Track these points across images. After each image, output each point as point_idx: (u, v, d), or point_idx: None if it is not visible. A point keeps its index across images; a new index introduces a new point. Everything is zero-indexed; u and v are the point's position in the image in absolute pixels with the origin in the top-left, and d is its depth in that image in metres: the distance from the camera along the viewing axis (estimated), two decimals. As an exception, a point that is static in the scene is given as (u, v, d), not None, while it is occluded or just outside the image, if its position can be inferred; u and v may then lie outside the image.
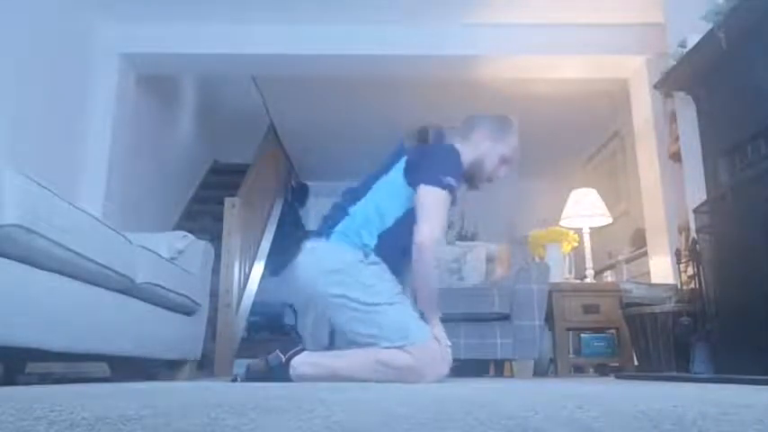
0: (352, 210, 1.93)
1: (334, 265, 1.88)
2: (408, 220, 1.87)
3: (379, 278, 1.87)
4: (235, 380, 1.86)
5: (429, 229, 1.82)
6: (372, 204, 1.93)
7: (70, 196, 1.79)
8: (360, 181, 2.03)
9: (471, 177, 2.07)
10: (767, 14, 2.10)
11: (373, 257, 1.89)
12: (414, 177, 1.89)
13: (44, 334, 1.64)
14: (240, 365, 4.24)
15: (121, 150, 4.06)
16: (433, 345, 1.79)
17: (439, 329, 1.86)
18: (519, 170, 6.73)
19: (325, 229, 1.95)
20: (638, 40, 3.89)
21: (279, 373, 1.78)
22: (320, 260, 1.92)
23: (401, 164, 1.94)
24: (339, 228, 1.92)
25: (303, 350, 1.85)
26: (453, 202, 1.92)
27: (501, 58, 4.20)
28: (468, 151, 2.02)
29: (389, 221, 1.91)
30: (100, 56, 3.97)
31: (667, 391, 1.34)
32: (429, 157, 1.92)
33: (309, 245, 1.97)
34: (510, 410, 0.71)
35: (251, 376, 1.82)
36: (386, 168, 1.98)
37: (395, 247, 1.89)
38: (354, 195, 1.98)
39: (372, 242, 1.90)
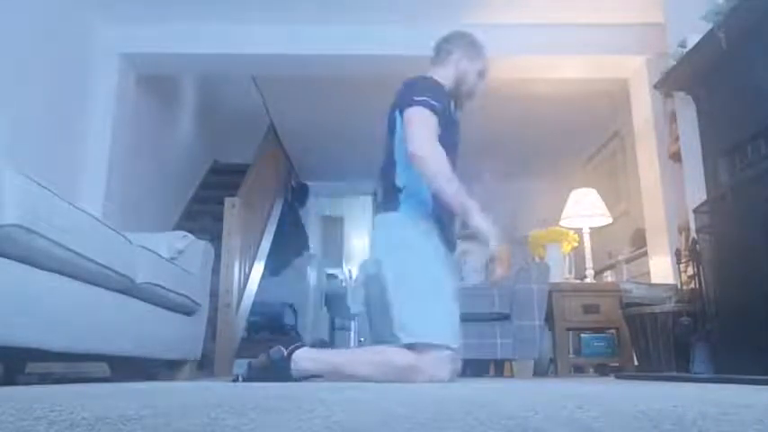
0: (397, 181, 1.96)
1: (395, 240, 1.92)
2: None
3: (432, 259, 1.90)
4: (236, 380, 1.85)
5: (415, 145, 1.85)
6: (404, 160, 1.93)
7: (70, 196, 1.79)
8: (382, 157, 2.07)
9: (457, 96, 2.12)
10: (767, 14, 2.10)
11: (431, 223, 1.92)
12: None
13: (44, 334, 1.64)
14: (240, 365, 4.24)
15: (121, 150, 4.06)
16: (443, 349, 1.78)
17: (479, 220, 1.84)
18: (519, 170, 6.75)
19: (389, 205, 1.97)
20: (638, 40, 3.89)
21: (280, 367, 1.78)
22: (385, 232, 1.97)
23: (397, 116, 1.97)
24: (401, 197, 1.94)
25: (303, 345, 1.86)
26: (443, 123, 1.93)
27: (501, 58, 4.19)
28: (450, 73, 2.10)
29: None
30: (100, 56, 3.97)
31: (667, 391, 1.34)
32: (405, 91, 1.98)
33: (380, 218, 2.01)
34: (510, 410, 0.71)
35: (252, 373, 1.82)
36: (391, 130, 2.01)
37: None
38: (389, 168, 2.00)
39: (426, 190, 1.92)
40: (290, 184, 6.85)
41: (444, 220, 1.99)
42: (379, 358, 1.79)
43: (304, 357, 1.81)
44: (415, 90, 1.95)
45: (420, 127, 1.88)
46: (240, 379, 1.83)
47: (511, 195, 6.75)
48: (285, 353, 1.81)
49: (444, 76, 2.08)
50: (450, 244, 2.03)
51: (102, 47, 3.98)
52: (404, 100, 1.94)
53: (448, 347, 1.78)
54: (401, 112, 1.94)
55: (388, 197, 1.99)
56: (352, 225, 8.30)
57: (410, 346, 1.76)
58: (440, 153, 1.85)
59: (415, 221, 1.93)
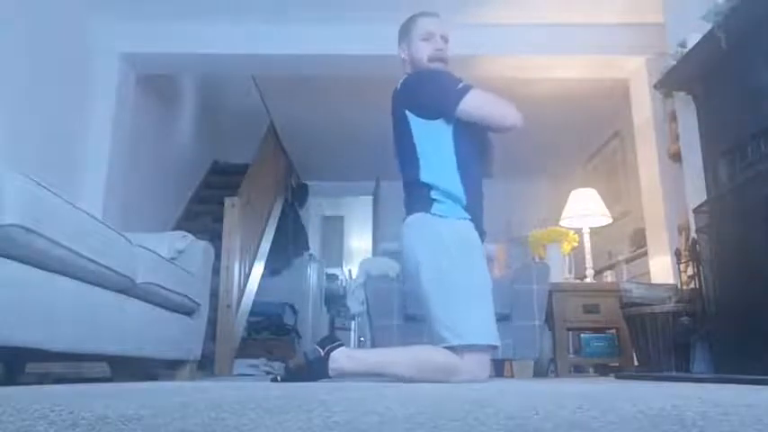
0: (423, 177, 1.94)
1: (434, 241, 1.88)
2: (463, 149, 1.95)
3: (473, 258, 1.90)
4: (275, 379, 1.83)
5: (511, 118, 1.95)
6: (430, 157, 1.94)
7: (70, 196, 1.78)
8: (399, 159, 2.06)
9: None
10: (767, 14, 2.10)
11: (467, 222, 1.91)
12: (430, 109, 1.95)
13: (44, 334, 1.64)
14: (240, 365, 4.25)
15: (121, 150, 4.06)
16: (488, 349, 1.79)
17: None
18: (519, 170, 6.74)
19: (419, 204, 1.94)
20: (638, 40, 3.89)
21: (318, 367, 1.77)
22: (427, 234, 1.92)
23: (408, 114, 1.97)
24: (432, 195, 1.91)
25: (342, 345, 1.84)
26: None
27: (501, 58, 4.20)
28: (411, 63, 2.12)
29: (452, 158, 1.94)
30: (100, 56, 3.97)
31: (667, 391, 1.34)
32: (429, 87, 1.99)
33: (412, 218, 1.96)
34: (510, 410, 0.71)
35: (290, 374, 1.80)
36: (402, 130, 2.00)
37: (475, 179, 1.99)
38: (412, 170, 1.97)
39: (460, 188, 1.92)
40: (290, 184, 6.85)
41: (477, 211, 1.97)
42: (420, 357, 1.78)
43: (342, 357, 1.79)
44: (434, 84, 1.97)
45: (491, 104, 1.96)
46: (279, 379, 1.82)
47: (511, 195, 6.75)
48: (322, 353, 1.79)
49: (415, 66, 2.09)
50: (482, 235, 2.01)
51: (102, 47, 3.98)
52: (444, 91, 1.94)
53: (492, 347, 1.80)
54: (432, 107, 1.95)
55: (417, 196, 1.95)
56: (352, 225, 8.30)
57: (452, 348, 1.76)
58: (508, 105, 1.96)
59: (451, 220, 1.90)
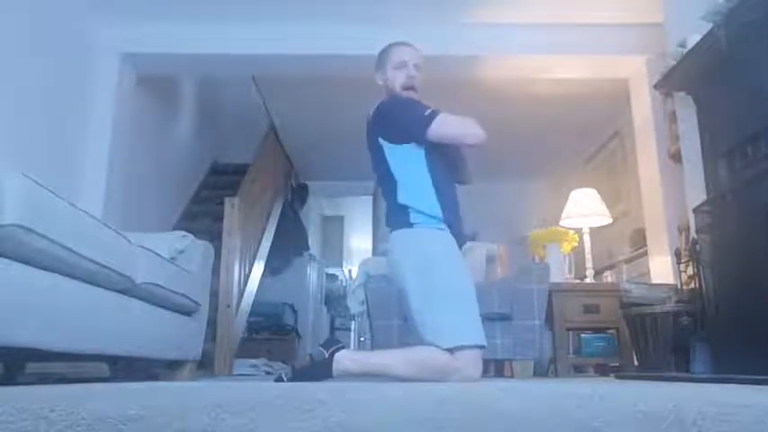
0: (400, 199, 2.06)
1: (417, 255, 2.00)
2: (435, 165, 2.08)
3: (455, 267, 2.02)
4: (280, 379, 1.93)
5: (474, 137, 2.08)
6: (406, 180, 2.08)
7: (70, 196, 1.79)
8: (379, 185, 2.21)
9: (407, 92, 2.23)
10: (767, 14, 2.10)
11: (444, 232, 2.03)
12: (401, 134, 2.09)
13: (44, 334, 1.64)
14: (240, 365, 4.25)
15: (121, 150, 4.06)
16: (477, 349, 1.89)
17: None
18: (519, 170, 6.75)
19: (400, 223, 2.06)
20: (638, 40, 3.89)
21: (322, 368, 1.88)
22: (408, 246, 2.04)
23: (381, 141, 2.12)
24: (410, 216, 2.04)
25: (343, 347, 1.96)
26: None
27: (501, 58, 4.20)
28: (387, 90, 2.25)
29: (426, 177, 2.07)
30: (100, 56, 3.97)
31: (667, 391, 1.34)
32: (399, 114, 2.13)
33: (395, 235, 2.09)
34: (510, 410, 0.71)
35: (296, 374, 1.91)
36: (379, 157, 2.14)
37: (449, 190, 2.13)
38: (390, 193, 2.11)
39: (435, 204, 2.04)
40: (290, 184, 6.85)
41: (454, 221, 2.10)
42: (419, 358, 1.87)
43: (345, 358, 1.91)
44: (404, 112, 2.11)
45: (457, 127, 2.09)
46: (285, 379, 1.91)
47: (511, 195, 6.75)
48: (327, 354, 1.90)
49: (389, 93, 2.23)
50: (460, 240, 2.13)
51: (102, 47, 3.98)
52: (413, 119, 2.07)
53: (480, 346, 1.91)
54: (403, 133, 2.08)
55: (397, 215, 2.08)
56: (352, 225, 8.30)
57: (447, 349, 1.87)
58: (473, 125, 2.08)
59: (431, 234, 2.03)
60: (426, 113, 2.06)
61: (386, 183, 2.13)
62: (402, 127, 2.09)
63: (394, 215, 2.10)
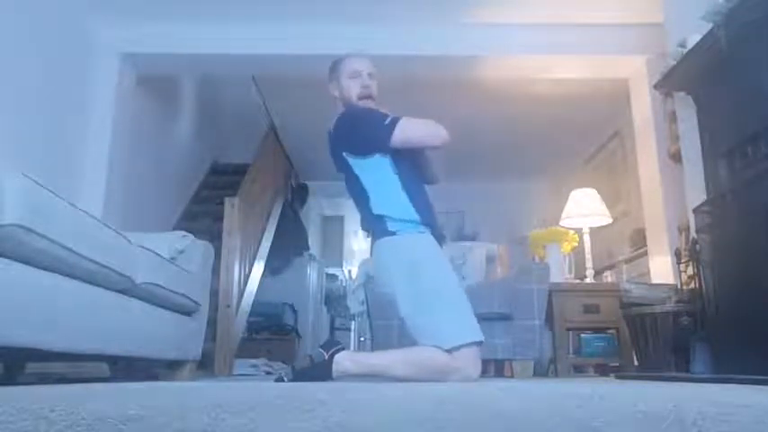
0: (375, 210, 2.06)
1: (403, 262, 2.00)
2: (403, 169, 2.08)
3: (441, 267, 2.02)
4: (280, 380, 1.93)
5: (437, 138, 2.08)
6: (377, 190, 2.08)
7: (70, 196, 1.79)
8: (351, 197, 2.21)
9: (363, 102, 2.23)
10: (767, 14, 2.10)
11: (426, 234, 2.04)
12: (365, 146, 2.09)
13: (44, 334, 1.64)
14: (240, 365, 4.25)
15: (121, 151, 4.06)
16: (474, 346, 1.89)
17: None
18: (519, 170, 6.75)
19: (380, 233, 2.07)
20: (638, 40, 3.89)
21: (322, 369, 1.88)
22: (392, 254, 2.04)
23: (346, 156, 2.13)
24: (388, 224, 2.04)
25: (344, 348, 1.96)
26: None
27: (501, 58, 4.20)
28: (343, 101, 2.27)
29: (396, 184, 2.07)
30: (100, 56, 3.97)
31: (667, 391, 1.34)
32: (360, 127, 2.13)
33: (377, 244, 2.09)
34: (510, 410, 0.71)
35: (296, 375, 1.91)
36: (347, 171, 2.15)
37: (421, 191, 2.12)
38: (364, 205, 2.11)
39: (410, 208, 2.04)
40: (290, 184, 6.85)
41: (431, 221, 2.10)
42: (419, 358, 1.88)
43: (345, 359, 1.91)
44: (364, 123, 2.11)
45: (419, 130, 2.08)
46: (286, 380, 1.91)
47: (511, 195, 6.75)
48: (326, 355, 1.90)
49: (346, 104, 2.23)
50: (440, 239, 2.14)
51: (102, 47, 3.97)
52: (376, 129, 2.07)
53: (477, 343, 1.90)
54: (367, 144, 2.08)
55: (376, 226, 2.08)
56: (352, 225, 8.29)
57: (445, 350, 1.87)
58: (434, 125, 2.07)
59: (413, 238, 2.03)
60: (387, 122, 2.06)
61: (358, 195, 2.12)
62: (365, 139, 2.09)
63: (372, 226, 2.10)
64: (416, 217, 2.04)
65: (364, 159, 2.09)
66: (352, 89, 2.20)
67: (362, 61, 2.25)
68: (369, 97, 2.19)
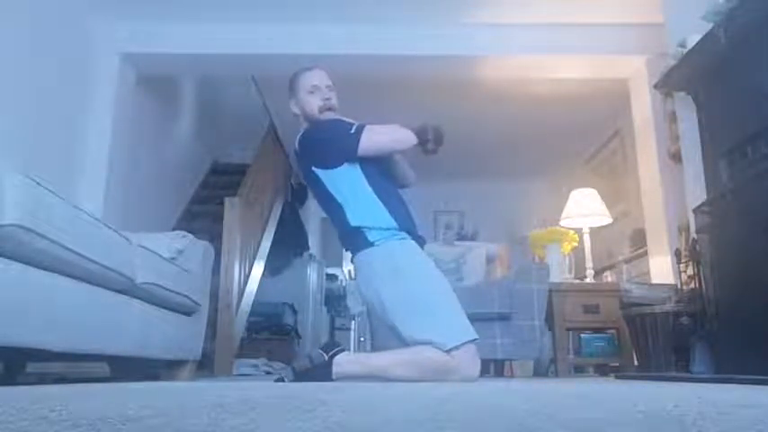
0: (352, 222, 2.06)
1: (386, 271, 2.00)
2: (373, 177, 2.09)
3: (426, 272, 2.03)
4: (281, 380, 1.94)
5: (403, 143, 2.12)
6: (351, 201, 2.08)
7: (70, 196, 1.79)
8: (325, 212, 2.18)
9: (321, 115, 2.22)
10: (767, 14, 2.10)
11: (406, 240, 2.05)
12: (333, 158, 2.08)
13: (44, 334, 1.64)
14: (240, 365, 4.24)
15: (121, 150, 4.06)
16: (470, 345, 1.90)
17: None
18: (519, 170, 6.75)
19: (360, 245, 2.05)
20: (638, 40, 3.89)
21: (322, 370, 1.88)
22: (376, 265, 2.03)
23: (315, 170, 2.10)
24: (367, 235, 2.04)
25: (344, 350, 1.96)
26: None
27: (501, 58, 4.20)
28: (304, 116, 2.23)
29: (369, 192, 2.07)
30: (100, 56, 3.97)
31: (667, 391, 1.34)
32: (325, 140, 2.12)
33: (358, 258, 2.08)
34: (510, 411, 0.71)
35: (296, 376, 1.90)
36: (316, 186, 2.13)
37: (394, 196, 2.13)
38: (340, 218, 2.09)
39: (387, 216, 2.04)
40: (290, 184, 6.85)
41: (409, 225, 2.10)
42: (419, 359, 1.88)
43: (345, 360, 1.91)
44: (330, 135, 2.10)
45: (385, 136, 2.11)
46: (286, 381, 1.91)
47: (511, 195, 6.75)
48: (326, 357, 1.90)
49: (309, 119, 2.21)
50: (421, 242, 2.14)
51: (102, 47, 3.97)
52: (342, 139, 2.07)
53: (472, 341, 1.91)
54: (335, 155, 2.07)
55: (355, 240, 2.07)
56: (351, 225, 8.28)
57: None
58: (398, 130, 2.10)
59: (394, 246, 2.03)
60: (352, 131, 2.06)
61: (332, 209, 2.11)
62: (332, 150, 2.08)
63: (351, 239, 2.08)
64: (394, 224, 2.04)
65: (334, 170, 2.08)
66: (313, 103, 2.19)
67: (319, 74, 2.24)
68: (330, 109, 2.19)
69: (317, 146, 2.12)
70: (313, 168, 2.11)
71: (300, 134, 2.19)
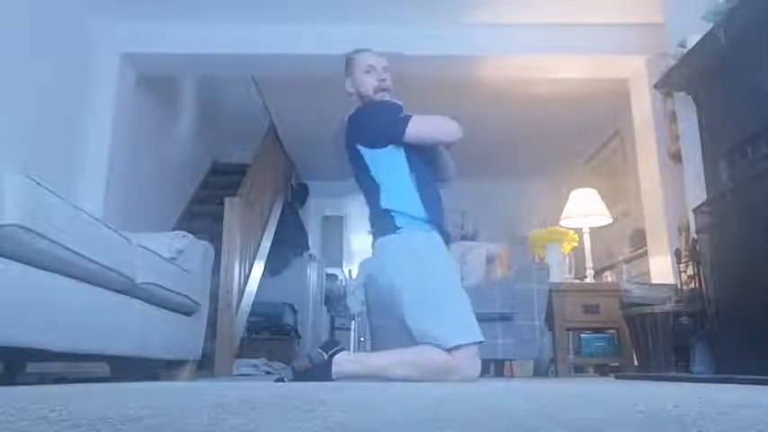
0: (383, 204, 2.07)
1: (406, 259, 2.01)
2: (416, 166, 2.10)
3: (445, 266, 2.05)
4: (281, 380, 1.94)
5: (451, 135, 2.14)
6: (388, 183, 2.09)
7: (70, 196, 1.79)
8: (362, 191, 2.19)
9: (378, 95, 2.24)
10: (767, 14, 2.10)
11: (431, 233, 2.05)
12: (379, 138, 2.10)
13: (44, 334, 1.64)
14: (240, 365, 4.24)
15: (121, 150, 4.06)
16: (474, 346, 1.90)
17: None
18: (519, 170, 6.75)
19: (385, 229, 2.06)
20: (638, 40, 3.89)
21: (321, 370, 1.88)
22: (395, 251, 2.04)
23: (361, 149, 2.11)
24: (395, 219, 2.04)
25: (343, 349, 1.96)
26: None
27: (501, 58, 4.20)
28: (358, 95, 2.25)
29: (408, 179, 2.08)
30: (100, 56, 3.97)
31: (667, 391, 1.34)
32: (375, 119, 2.15)
33: (380, 242, 2.09)
34: (510, 411, 0.71)
35: (296, 376, 1.91)
36: (358, 163, 2.13)
37: (432, 189, 2.14)
38: (374, 199, 2.11)
39: (419, 206, 2.05)
40: (290, 184, 6.85)
41: (439, 220, 2.10)
42: (419, 359, 1.88)
43: (344, 360, 1.92)
44: (380, 115, 2.14)
45: (433, 125, 2.14)
46: (286, 380, 1.92)
47: (511, 195, 6.75)
48: (326, 356, 1.90)
49: (363, 98, 2.23)
50: (447, 238, 2.14)
51: (102, 47, 3.97)
52: (389, 123, 2.10)
53: (477, 343, 1.91)
54: (366, 143, 2.10)
55: (382, 222, 2.08)
56: (352, 225, 8.29)
57: (445, 350, 1.88)
58: (448, 122, 2.13)
59: (418, 237, 2.03)
60: (402, 115, 2.10)
61: (368, 189, 2.13)
62: (379, 130, 2.11)
63: (379, 221, 2.10)
64: (423, 214, 2.04)
65: (378, 151, 2.10)
66: (368, 83, 2.21)
67: (375, 56, 2.27)
68: (385, 90, 2.21)
69: (366, 124, 2.14)
70: (358, 146, 2.12)
71: (354, 110, 2.20)
